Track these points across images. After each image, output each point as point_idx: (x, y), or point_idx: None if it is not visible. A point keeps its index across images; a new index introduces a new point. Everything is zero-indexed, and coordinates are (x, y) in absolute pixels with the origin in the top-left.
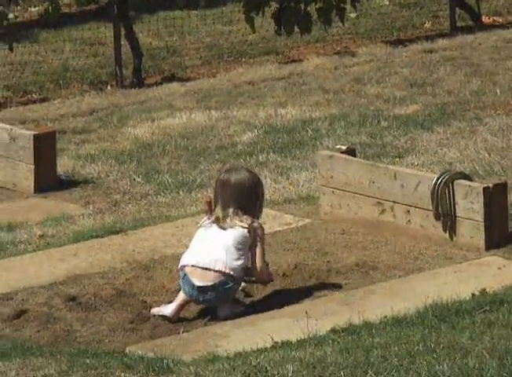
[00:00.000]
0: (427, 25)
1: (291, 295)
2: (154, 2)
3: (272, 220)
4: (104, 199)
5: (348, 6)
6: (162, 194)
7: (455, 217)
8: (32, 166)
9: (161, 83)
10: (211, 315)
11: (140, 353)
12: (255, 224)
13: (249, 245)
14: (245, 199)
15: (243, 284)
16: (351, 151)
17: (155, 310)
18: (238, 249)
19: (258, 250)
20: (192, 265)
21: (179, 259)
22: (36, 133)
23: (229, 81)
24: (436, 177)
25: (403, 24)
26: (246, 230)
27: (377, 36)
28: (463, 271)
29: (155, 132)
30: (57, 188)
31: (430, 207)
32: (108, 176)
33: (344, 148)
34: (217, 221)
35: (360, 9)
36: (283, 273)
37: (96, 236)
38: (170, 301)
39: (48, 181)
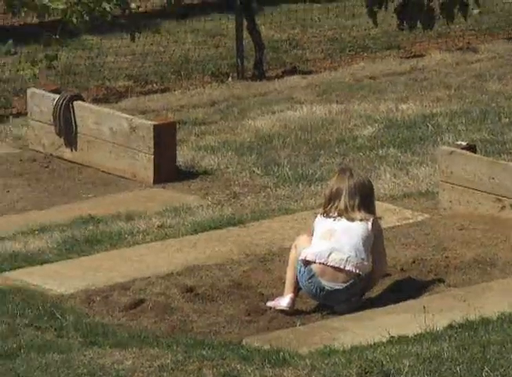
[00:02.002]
0: None
1: (409, 290)
2: None
3: (391, 215)
4: (223, 191)
5: (471, 2)
6: (281, 187)
7: None
8: (152, 157)
9: (282, 76)
10: (328, 309)
11: (256, 345)
12: (377, 221)
13: (371, 242)
14: (368, 197)
15: None
16: (471, 148)
17: (270, 303)
18: (365, 247)
19: (382, 247)
20: (321, 263)
21: None
22: (156, 123)
23: (351, 75)
24: None
25: None
26: (370, 225)
27: (499, 33)
28: None
29: (276, 124)
30: (176, 178)
31: None
32: (228, 168)
33: (464, 144)
34: (342, 213)
35: (483, 6)
36: (401, 268)
37: (215, 228)
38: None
39: (167, 171)
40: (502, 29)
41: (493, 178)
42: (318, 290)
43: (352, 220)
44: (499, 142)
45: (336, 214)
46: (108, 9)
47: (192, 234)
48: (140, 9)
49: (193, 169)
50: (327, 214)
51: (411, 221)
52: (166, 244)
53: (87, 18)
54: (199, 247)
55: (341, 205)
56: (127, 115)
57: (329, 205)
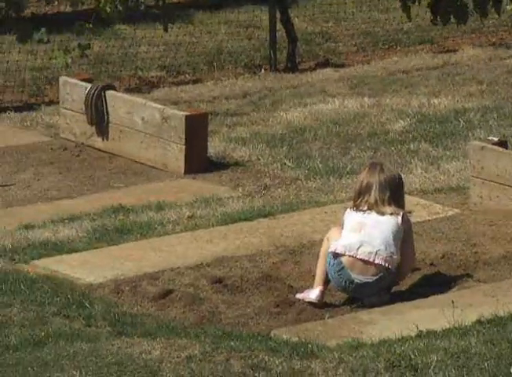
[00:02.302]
0: None
1: (438, 285)
2: None
3: (421, 209)
4: (253, 183)
5: None
6: (312, 179)
7: None
8: (183, 147)
9: (315, 69)
10: (357, 302)
11: (284, 337)
12: (406, 216)
13: (401, 236)
14: (398, 192)
15: None
16: (503, 143)
17: (299, 296)
18: (395, 241)
19: (411, 241)
20: (350, 256)
21: None
22: (188, 114)
23: (383, 68)
24: None
25: None
26: (399, 220)
27: None
28: None
29: (307, 117)
30: (207, 169)
31: None
32: (259, 159)
33: (496, 139)
34: (372, 206)
35: None
36: (431, 262)
37: (245, 219)
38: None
39: (198, 162)
40: None
41: None
42: (347, 283)
43: (383, 214)
44: None
45: (366, 207)
46: None
47: (222, 225)
48: (173, 0)
49: (224, 160)
50: (357, 208)
51: (441, 215)
52: (196, 235)
53: (121, 7)
54: (229, 238)
55: (372, 199)
56: (159, 105)
57: (359, 199)
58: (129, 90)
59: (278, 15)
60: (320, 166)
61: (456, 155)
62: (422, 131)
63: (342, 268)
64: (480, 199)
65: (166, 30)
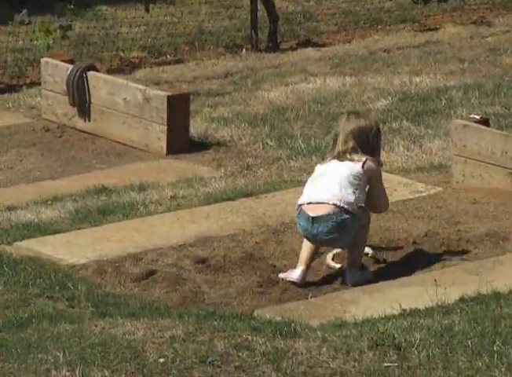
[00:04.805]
0: None
1: (421, 263)
2: None
3: (403, 188)
4: (236, 163)
5: None
6: (294, 158)
7: None
8: (165, 128)
9: (296, 48)
10: (340, 280)
11: (267, 316)
12: (369, 162)
13: (364, 182)
14: (367, 143)
15: (371, 251)
16: (485, 121)
17: (282, 275)
18: (352, 184)
19: (378, 186)
20: (309, 202)
21: None
22: (170, 94)
23: (365, 48)
24: None
25: None
26: (360, 165)
27: None
28: None
29: (289, 96)
30: (189, 150)
31: None
32: (241, 139)
33: (478, 117)
34: (336, 157)
35: None
36: (414, 241)
37: (228, 199)
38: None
39: (180, 142)
40: None
41: (506, 152)
42: (306, 222)
43: (343, 161)
44: None
45: (331, 157)
46: None
47: (204, 205)
48: None
49: (206, 140)
50: (323, 160)
51: (423, 194)
52: (179, 215)
53: None
54: (212, 218)
55: (336, 150)
56: (141, 86)
57: (328, 151)
58: (110, 71)
59: None
60: (302, 145)
61: (438, 133)
62: (403, 110)
63: (300, 211)
64: (462, 178)
65: (147, 10)
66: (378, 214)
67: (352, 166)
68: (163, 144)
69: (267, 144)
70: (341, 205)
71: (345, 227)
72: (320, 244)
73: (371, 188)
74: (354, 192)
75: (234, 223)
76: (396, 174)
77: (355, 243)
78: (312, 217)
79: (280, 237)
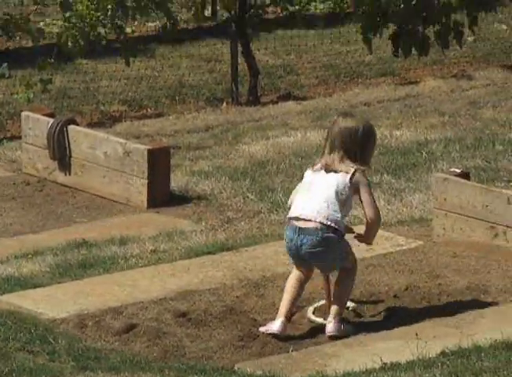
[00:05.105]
0: None
1: (402, 317)
2: (272, 21)
3: (384, 241)
4: (216, 216)
5: (466, 30)
6: (274, 212)
7: None
8: (146, 181)
9: (277, 102)
10: (321, 334)
11: (249, 370)
12: (357, 174)
13: (352, 194)
14: (354, 146)
15: (352, 304)
16: (465, 175)
17: (263, 329)
18: (339, 200)
19: (367, 197)
20: (296, 216)
21: None
22: (150, 148)
23: (345, 101)
24: None
25: None
26: (348, 177)
27: (494, 60)
28: None
29: (270, 150)
30: (170, 203)
31: None
32: (222, 193)
33: (458, 171)
34: (324, 166)
35: (478, 33)
36: (394, 295)
37: (208, 253)
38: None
39: (161, 196)
40: (497, 56)
41: (487, 206)
42: (293, 233)
43: (334, 172)
44: (492, 169)
45: (319, 166)
46: (103, 33)
47: (185, 259)
48: (135, 34)
49: (187, 194)
50: (312, 168)
51: (404, 247)
52: (160, 269)
53: (82, 42)
54: (193, 272)
55: (323, 159)
56: (121, 140)
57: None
58: (91, 125)
59: (240, 48)
60: (283, 199)
61: (419, 186)
62: (384, 163)
63: (290, 221)
64: (443, 231)
65: (127, 64)
66: (370, 227)
67: (339, 180)
68: (144, 197)
69: (248, 197)
70: (328, 223)
71: (329, 243)
72: (303, 260)
73: (359, 197)
74: (341, 209)
75: (215, 277)
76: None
77: (338, 295)
78: (299, 228)
79: (261, 291)
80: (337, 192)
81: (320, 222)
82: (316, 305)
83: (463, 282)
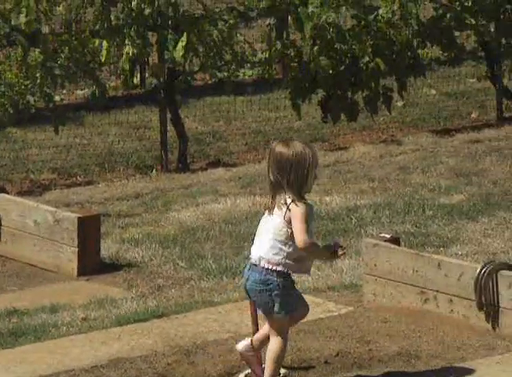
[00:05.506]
0: (474, 115)
1: None
2: (200, 88)
3: (314, 307)
4: (147, 283)
5: (395, 95)
6: (205, 279)
7: (499, 307)
8: (76, 249)
9: (206, 168)
10: None
11: None
12: (291, 206)
13: (285, 232)
14: (285, 171)
15: (283, 371)
16: (395, 240)
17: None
18: (280, 240)
19: (296, 225)
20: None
21: (222, 345)
22: (80, 215)
23: None
24: (480, 267)
25: (449, 114)
26: (282, 216)
27: (423, 125)
28: (506, 362)
29: (200, 217)
30: (101, 271)
31: (473, 297)
32: (152, 260)
33: (388, 236)
34: (265, 208)
35: (407, 98)
36: (325, 361)
37: (139, 320)
38: None
39: (91, 264)
40: (426, 121)
41: (417, 271)
42: (248, 268)
43: (270, 214)
44: (422, 234)
45: (264, 209)
46: (32, 101)
47: (116, 326)
48: (64, 102)
49: (117, 261)
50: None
51: (335, 313)
52: (91, 337)
53: (11, 111)
54: (124, 340)
55: (266, 199)
56: (51, 208)
57: None
58: (21, 193)
59: (169, 115)
60: (213, 265)
61: (349, 252)
62: (314, 229)
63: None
64: (373, 297)
65: (56, 132)
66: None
67: (276, 222)
68: (74, 265)
69: (178, 264)
70: (269, 267)
71: (270, 284)
72: (248, 295)
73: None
74: (282, 249)
75: (146, 344)
76: (307, 294)
77: (272, 356)
78: (252, 263)
79: (192, 358)
80: (274, 234)
81: (262, 267)
82: (246, 372)
83: (394, 347)
